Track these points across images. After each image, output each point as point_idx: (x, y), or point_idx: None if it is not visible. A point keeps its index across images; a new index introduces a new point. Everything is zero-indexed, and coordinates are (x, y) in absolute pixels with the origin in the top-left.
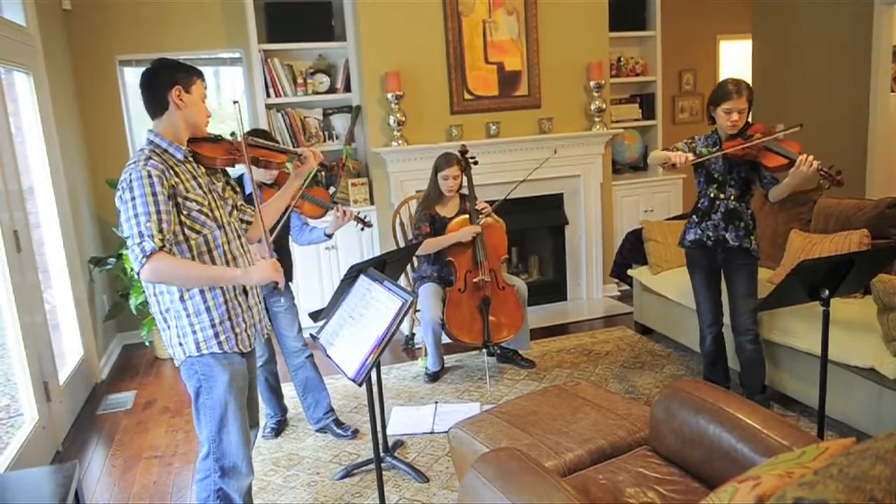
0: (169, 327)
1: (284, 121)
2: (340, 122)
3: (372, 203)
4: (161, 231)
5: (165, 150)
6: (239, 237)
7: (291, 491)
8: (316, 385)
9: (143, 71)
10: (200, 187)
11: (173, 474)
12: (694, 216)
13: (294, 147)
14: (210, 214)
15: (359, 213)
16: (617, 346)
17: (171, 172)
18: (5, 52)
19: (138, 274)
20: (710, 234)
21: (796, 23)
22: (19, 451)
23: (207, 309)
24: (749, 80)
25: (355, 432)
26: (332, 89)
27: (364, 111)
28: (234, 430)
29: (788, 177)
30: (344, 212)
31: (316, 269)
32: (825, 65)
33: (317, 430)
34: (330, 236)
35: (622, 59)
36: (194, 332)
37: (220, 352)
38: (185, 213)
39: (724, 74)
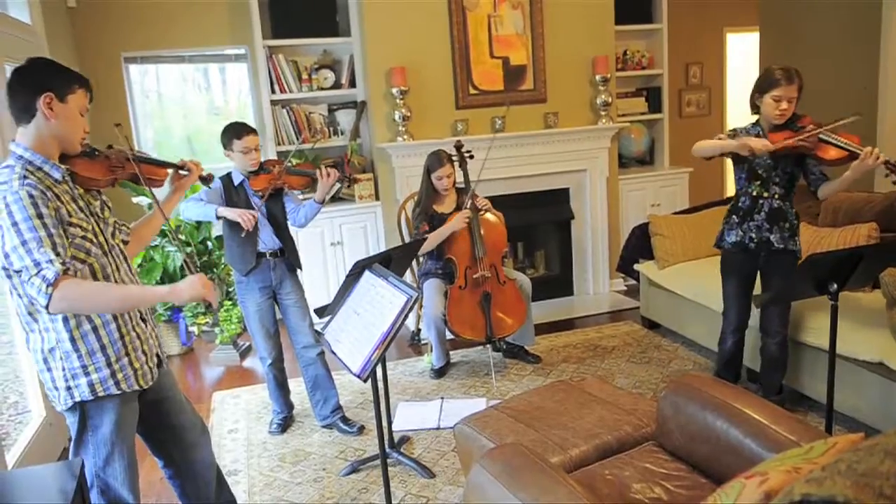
0: (51, 369)
1: (289, 117)
2: (346, 118)
3: (377, 198)
4: (59, 255)
5: (40, 169)
6: (126, 260)
7: (298, 487)
8: (325, 383)
9: (14, 69)
10: (82, 210)
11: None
12: (734, 216)
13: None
14: (94, 240)
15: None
16: (623, 340)
17: (51, 194)
18: (10, 50)
19: (46, 308)
20: (753, 235)
21: (803, 14)
22: (27, 447)
23: (103, 347)
24: (756, 73)
25: (361, 429)
26: (336, 85)
27: (369, 106)
28: (121, 470)
29: (849, 171)
30: (327, 173)
31: (321, 264)
32: (833, 57)
33: (323, 427)
34: (321, 203)
35: (628, 52)
36: (87, 374)
37: (117, 393)
38: (68, 240)
39: (730, 67)
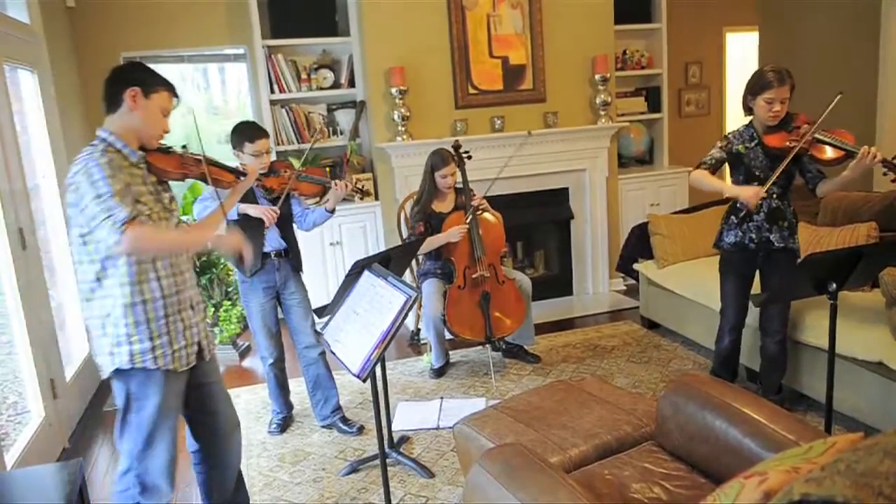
0: (106, 334)
1: (289, 116)
2: (345, 118)
3: (377, 198)
4: (128, 206)
5: (119, 151)
6: (185, 251)
7: (297, 487)
8: (326, 383)
9: (112, 68)
10: (151, 193)
11: (178, 470)
12: (733, 217)
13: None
14: (158, 222)
15: (356, 182)
16: (623, 340)
17: (125, 172)
18: (10, 50)
19: (118, 246)
20: (753, 235)
21: (803, 13)
22: (26, 447)
23: (148, 321)
24: None
25: (361, 429)
26: (336, 84)
27: (368, 106)
28: (161, 451)
29: (847, 170)
30: (344, 184)
31: (321, 264)
32: (832, 56)
33: (322, 427)
34: (332, 212)
35: (627, 51)
36: (130, 343)
37: (153, 367)
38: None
39: (730, 67)
